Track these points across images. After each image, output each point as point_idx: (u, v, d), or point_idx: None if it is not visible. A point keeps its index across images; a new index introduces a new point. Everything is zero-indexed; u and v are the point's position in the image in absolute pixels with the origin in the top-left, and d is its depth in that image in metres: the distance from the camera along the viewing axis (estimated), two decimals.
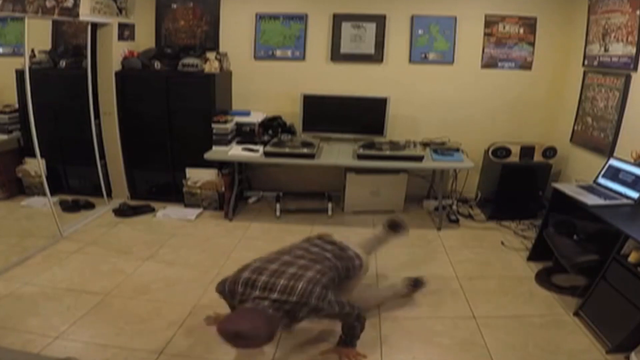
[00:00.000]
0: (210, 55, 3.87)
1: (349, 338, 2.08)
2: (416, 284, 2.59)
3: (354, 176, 3.84)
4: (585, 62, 3.57)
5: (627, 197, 2.58)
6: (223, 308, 2.43)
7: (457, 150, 3.75)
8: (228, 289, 1.92)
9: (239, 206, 4.01)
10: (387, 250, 3.22)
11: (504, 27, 3.88)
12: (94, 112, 3.74)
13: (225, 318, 1.86)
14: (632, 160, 2.74)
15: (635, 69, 2.96)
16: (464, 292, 2.69)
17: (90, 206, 3.87)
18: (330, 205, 3.90)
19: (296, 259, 2.03)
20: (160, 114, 3.80)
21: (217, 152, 3.62)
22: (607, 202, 2.55)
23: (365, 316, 2.07)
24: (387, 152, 3.53)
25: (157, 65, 3.79)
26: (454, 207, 3.96)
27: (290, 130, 4.01)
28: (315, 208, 3.95)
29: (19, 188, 4.05)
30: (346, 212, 3.96)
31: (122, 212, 3.75)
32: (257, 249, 3.19)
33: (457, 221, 3.78)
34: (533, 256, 3.09)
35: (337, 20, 3.95)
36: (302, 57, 4.05)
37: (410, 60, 4.00)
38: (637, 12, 2.93)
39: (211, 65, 3.76)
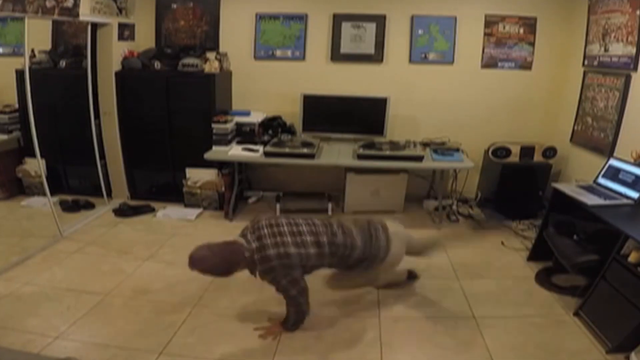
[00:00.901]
0: (210, 55, 3.87)
1: (285, 320, 2.24)
2: (410, 276, 2.72)
3: (354, 176, 3.83)
4: (585, 62, 3.57)
5: (627, 197, 2.58)
6: (222, 308, 2.44)
7: (457, 150, 3.75)
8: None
9: (239, 206, 4.01)
10: None
11: (504, 27, 3.88)
12: (94, 112, 3.74)
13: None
14: (632, 160, 2.73)
15: (635, 69, 2.96)
16: (464, 292, 2.69)
17: (90, 206, 3.87)
18: (330, 205, 3.89)
19: (296, 230, 2.16)
20: (160, 114, 3.80)
21: (217, 152, 3.62)
22: (607, 202, 2.55)
23: (305, 312, 2.21)
24: (387, 152, 3.53)
25: (157, 65, 3.79)
26: (454, 207, 3.95)
27: (290, 130, 4.01)
28: (315, 208, 3.94)
29: (19, 188, 4.05)
30: (346, 212, 3.96)
31: (122, 212, 3.75)
32: None
33: (457, 221, 3.78)
34: (533, 256, 3.09)
35: (337, 20, 3.95)
36: (302, 57, 4.05)
37: (410, 60, 4.00)
38: (637, 12, 2.93)
39: (211, 65, 3.76)
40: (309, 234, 2.15)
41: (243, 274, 2.76)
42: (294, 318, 2.21)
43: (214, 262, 2.03)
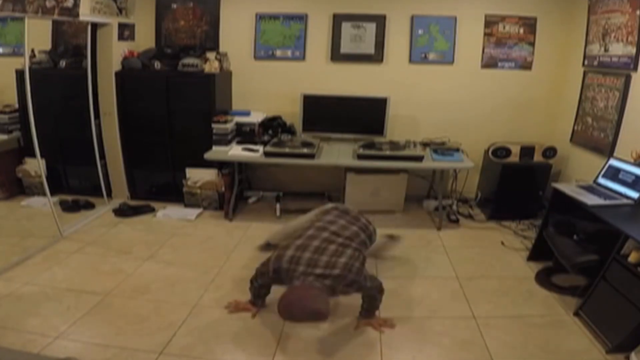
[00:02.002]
0: (210, 55, 3.87)
1: (371, 309, 2.30)
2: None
3: (354, 176, 3.83)
4: (585, 62, 3.57)
5: (627, 197, 2.58)
6: (223, 307, 2.44)
7: (457, 150, 3.75)
8: (272, 268, 2.08)
9: (239, 206, 4.01)
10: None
11: (504, 27, 3.88)
12: (94, 112, 3.74)
13: (283, 301, 1.92)
14: (632, 160, 2.74)
15: (635, 69, 2.96)
16: (464, 292, 2.69)
17: (90, 206, 3.87)
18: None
19: (333, 236, 2.22)
20: (160, 114, 3.80)
21: (217, 152, 3.62)
22: (607, 202, 2.55)
23: (384, 289, 2.27)
24: (387, 152, 3.53)
25: (157, 65, 3.79)
26: (454, 207, 3.95)
27: (290, 130, 4.01)
28: (315, 208, 3.94)
29: (19, 188, 4.05)
30: None
31: (122, 212, 3.75)
32: (257, 249, 3.20)
33: (457, 221, 3.78)
34: (533, 256, 3.09)
35: (337, 20, 3.95)
36: (302, 57, 4.05)
37: (410, 60, 4.00)
38: (637, 12, 2.93)
39: (211, 65, 3.76)
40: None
41: (236, 272, 2.78)
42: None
43: (314, 300, 1.91)
